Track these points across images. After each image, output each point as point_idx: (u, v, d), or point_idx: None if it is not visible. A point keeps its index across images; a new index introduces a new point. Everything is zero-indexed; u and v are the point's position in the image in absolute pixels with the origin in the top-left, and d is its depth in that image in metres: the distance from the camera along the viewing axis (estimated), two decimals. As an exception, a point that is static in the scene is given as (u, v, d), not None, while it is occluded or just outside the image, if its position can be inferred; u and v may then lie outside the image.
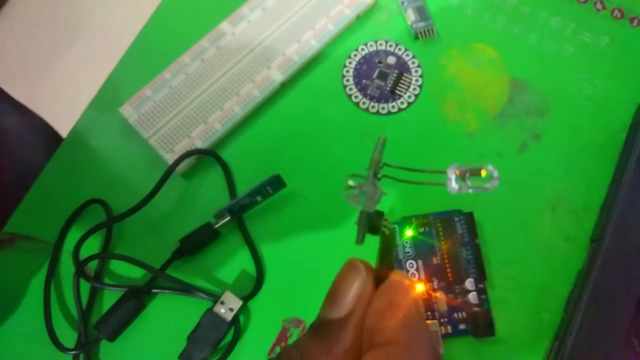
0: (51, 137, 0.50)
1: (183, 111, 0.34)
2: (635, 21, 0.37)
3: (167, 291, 0.32)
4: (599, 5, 0.38)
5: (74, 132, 0.35)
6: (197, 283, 0.32)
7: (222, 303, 0.31)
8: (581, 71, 0.36)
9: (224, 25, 0.36)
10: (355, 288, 0.18)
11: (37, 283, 0.33)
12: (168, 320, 0.32)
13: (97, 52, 1.09)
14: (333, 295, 0.19)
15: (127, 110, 0.34)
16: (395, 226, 0.32)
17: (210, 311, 0.31)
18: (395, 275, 0.19)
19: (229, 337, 0.31)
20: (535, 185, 0.34)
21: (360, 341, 0.18)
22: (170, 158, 0.33)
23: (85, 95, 0.47)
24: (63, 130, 0.48)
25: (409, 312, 0.17)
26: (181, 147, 0.33)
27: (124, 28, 1.08)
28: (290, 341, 0.31)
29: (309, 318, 0.31)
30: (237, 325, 0.31)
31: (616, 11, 0.38)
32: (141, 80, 0.35)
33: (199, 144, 0.33)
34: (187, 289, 0.31)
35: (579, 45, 0.37)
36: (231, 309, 0.31)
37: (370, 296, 0.18)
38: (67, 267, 0.33)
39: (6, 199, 0.35)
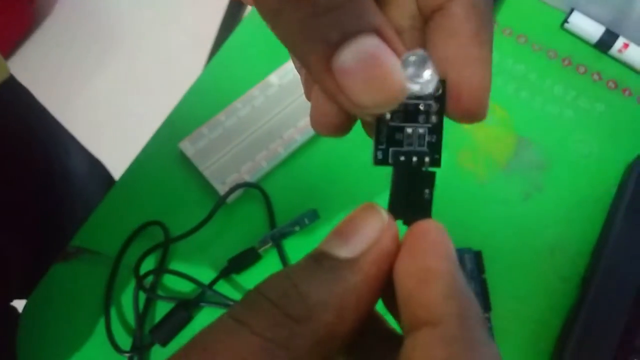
0: (106, 180, 0.56)
1: (234, 149, 0.39)
2: (627, 92, 0.43)
3: (213, 305, 0.36)
4: (595, 77, 0.43)
5: (137, 161, 0.40)
6: (238, 299, 0.37)
7: (261, 318, 0.35)
8: (579, 133, 0.42)
9: (272, 78, 0.41)
10: (373, 229, 0.15)
11: (98, 292, 0.37)
12: (212, 330, 0.36)
13: (159, 92, 1.15)
14: (343, 229, 0.15)
15: (186, 145, 0.39)
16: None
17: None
18: (426, 225, 0.15)
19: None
20: (537, 231, 0.39)
21: (369, 297, 0.14)
22: (221, 189, 0.38)
23: (141, 130, 0.53)
24: (118, 164, 0.54)
25: (453, 277, 0.14)
26: (231, 180, 0.38)
27: (177, 65, 1.15)
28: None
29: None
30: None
31: (611, 83, 0.43)
32: (198, 120, 0.40)
33: (247, 178, 0.39)
34: (230, 304, 0.36)
35: (578, 110, 0.42)
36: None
37: (392, 251, 0.15)
38: (124, 279, 0.38)
39: (63, 234, 0.40)
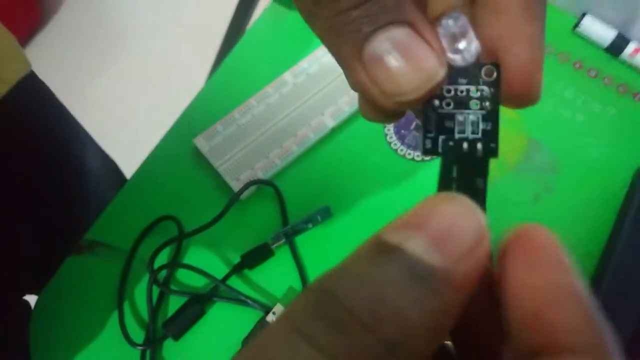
0: (117, 177, 0.57)
1: (248, 146, 0.40)
2: (638, 96, 0.43)
3: (226, 300, 0.37)
4: (606, 81, 0.44)
5: (152, 155, 0.41)
6: (251, 294, 0.37)
7: (274, 314, 0.36)
8: (590, 136, 0.42)
9: (287, 76, 0.42)
10: (470, 231, 0.12)
11: (111, 285, 0.38)
12: (224, 325, 0.37)
13: (168, 90, 1.15)
14: (435, 226, 0.12)
15: (200, 142, 0.40)
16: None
17: (263, 320, 0.36)
18: (539, 232, 0.13)
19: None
20: (546, 231, 0.39)
21: (458, 314, 0.12)
22: (235, 185, 0.38)
23: (151, 127, 0.54)
24: (128, 160, 0.54)
25: (588, 299, 0.12)
26: (245, 177, 0.39)
27: (188, 62, 1.16)
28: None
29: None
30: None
31: (621, 87, 0.44)
32: (213, 117, 0.40)
33: (260, 175, 0.39)
34: (243, 300, 0.36)
35: (589, 114, 0.43)
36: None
37: (485, 263, 0.12)
38: (138, 273, 0.38)
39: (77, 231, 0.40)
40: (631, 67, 0.44)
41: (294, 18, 0.45)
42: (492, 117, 0.15)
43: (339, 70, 0.39)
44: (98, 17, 1.33)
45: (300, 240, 0.38)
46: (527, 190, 0.40)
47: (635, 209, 0.38)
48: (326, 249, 0.38)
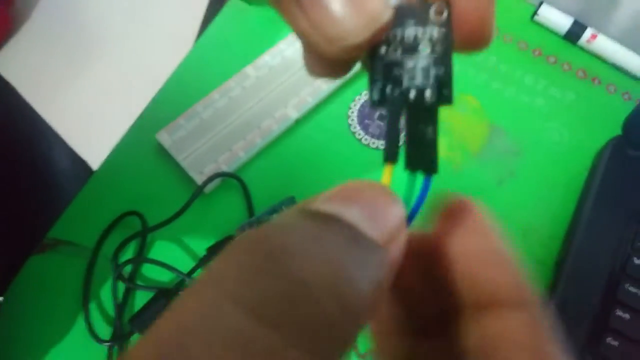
0: (89, 176, 0.56)
1: (212, 140, 0.39)
2: (597, 81, 0.44)
3: None
4: (565, 67, 0.45)
5: (115, 151, 0.40)
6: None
7: (240, 305, 0.36)
8: (550, 120, 0.43)
9: (249, 69, 0.42)
10: (398, 215, 0.12)
11: (76, 283, 0.37)
12: (191, 319, 0.36)
13: (132, 83, 1.15)
14: (368, 204, 0.12)
15: (163, 136, 0.39)
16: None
17: (229, 311, 0.35)
18: (472, 204, 0.14)
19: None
20: (510, 215, 0.39)
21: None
22: (199, 179, 0.38)
23: (119, 122, 0.53)
24: (94, 154, 0.53)
25: (515, 262, 0.13)
26: (209, 170, 0.39)
27: (158, 64, 1.15)
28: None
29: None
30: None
31: (580, 72, 0.44)
32: (175, 112, 0.40)
33: (224, 168, 0.39)
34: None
35: (549, 99, 0.43)
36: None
37: (403, 248, 0.13)
38: (103, 269, 0.38)
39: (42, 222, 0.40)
40: (589, 52, 0.45)
41: (255, 13, 0.45)
42: (444, 60, 0.14)
43: (301, 63, 0.39)
44: (66, 24, 1.31)
45: (265, 231, 0.38)
46: (490, 175, 0.41)
47: (595, 191, 0.39)
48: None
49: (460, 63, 0.44)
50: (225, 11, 0.45)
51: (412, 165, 0.14)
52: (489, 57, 0.45)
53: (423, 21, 0.14)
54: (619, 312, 0.35)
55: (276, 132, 0.40)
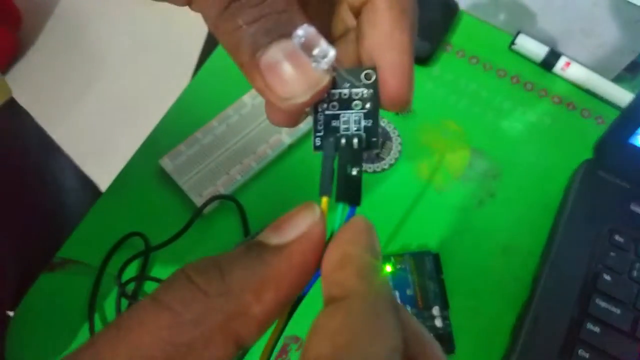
0: (96, 196, 0.59)
1: (210, 164, 0.42)
2: (571, 106, 0.47)
3: None
4: (542, 93, 0.48)
5: (120, 176, 0.43)
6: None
7: (236, 319, 0.38)
8: (528, 144, 0.45)
9: (246, 98, 0.45)
10: (304, 222, 0.16)
11: (83, 299, 0.40)
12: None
13: (136, 103, 1.18)
14: (278, 222, 0.16)
15: (165, 162, 0.42)
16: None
17: (226, 326, 0.38)
18: (354, 220, 0.17)
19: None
20: (490, 234, 0.42)
21: (291, 282, 0.15)
22: (199, 201, 0.41)
23: (124, 141, 0.56)
24: (99, 172, 0.56)
25: (367, 262, 0.16)
26: (208, 193, 0.41)
27: (162, 85, 1.19)
28: (291, 355, 0.38)
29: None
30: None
31: (555, 98, 0.47)
32: (177, 139, 0.43)
33: (222, 191, 0.42)
34: (207, 308, 0.39)
35: (526, 123, 0.46)
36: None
37: (319, 242, 0.16)
38: (108, 287, 0.40)
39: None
40: (564, 79, 0.48)
41: (252, 44, 0.48)
42: (372, 115, 0.17)
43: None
44: (73, 47, 1.35)
45: (260, 250, 0.41)
46: (471, 196, 0.43)
47: (569, 210, 0.41)
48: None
49: (444, 90, 0.47)
50: (223, 43, 0.48)
51: (340, 197, 0.17)
52: (471, 84, 0.48)
53: (357, 84, 0.17)
54: (590, 326, 0.37)
55: (271, 157, 0.43)
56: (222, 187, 0.42)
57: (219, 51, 0.48)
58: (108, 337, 0.14)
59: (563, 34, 0.47)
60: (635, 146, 0.40)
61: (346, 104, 0.17)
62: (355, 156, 0.17)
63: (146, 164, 0.43)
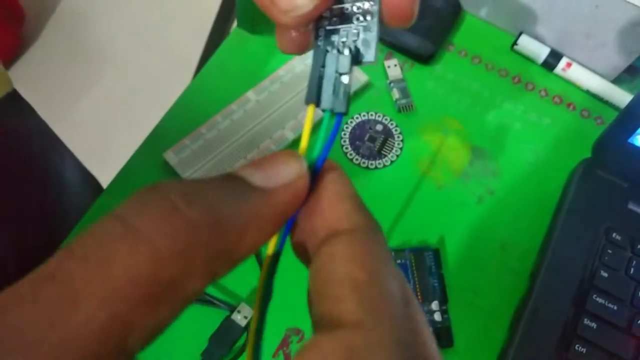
0: (97, 190, 0.59)
1: (214, 159, 0.43)
2: (571, 106, 0.48)
3: (196, 302, 0.39)
4: (542, 93, 0.48)
5: (124, 169, 0.44)
6: (217, 295, 0.40)
7: (238, 312, 0.39)
8: (527, 143, 0.46)
9: (250, 94, 0.45)
10: (291, 171, 0.15)
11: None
12: (192, 324, 0.39)
13: (138, 99, 1.18)
14: (263, 161, 0.16)
15: (170, 155, 0.43)
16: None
17: (228, 318, 0.39)
18: (330, 165, 0.17)
19: (242, 340, 0.39)
20: (489, 230, 0.43)
21: (271, 230, 0.15)
22: (202, 195, 0.42)
23: (126, 136, 0.57)
24: (100, 167, 0.57)
25: (359, 198, 0.16)
26: (212, 187, 0.42)
27: (164, 80, 1.20)
28: (292, 347, 0.39)
29: (308, 328, 0.39)
30: (249, 330, 0.39)
31: (556, 98, 0.48)
32: (182, 133, 0.44)
33: (226, 185, 0.42)
34: (209, 300, 0.39)
35: (527, 123, 0.47)
36: (245, 317, 0.39)
37: (302, 196, 0.16)
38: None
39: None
40: (565, 80, 0.49)
41: (257, 42, 0.48)
42: (371, 27, 0.17)
43: (299, 87, 0.42)
44: (75, 43, 1.36)
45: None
46: (471, 193, 0.44)
47: (567, 208, 0.42)
48: (287, 251, 0.41)
49: (446, 89, 0.48)
50: (229, 40, 0.49)
51: (325, 104, 0.17)
52: (473, 83, 0.48)
53: None
54: (587, 321, 0.38)
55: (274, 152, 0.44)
56: (225, 181, 0.42)
57: (223, 48, 0.49)
58: (76, 270, 0.12)
59: (564, 35, 0.48)
60: (633, 146, 0.41)
61: (347, 18, 0.17)
62: (345, 64, 0.17)
63: (150, 158, 0.44)
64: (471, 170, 0.45)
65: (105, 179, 0.61)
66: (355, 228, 0.15)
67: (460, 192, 0.44)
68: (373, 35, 0.17)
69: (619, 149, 0.41)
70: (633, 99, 0.39)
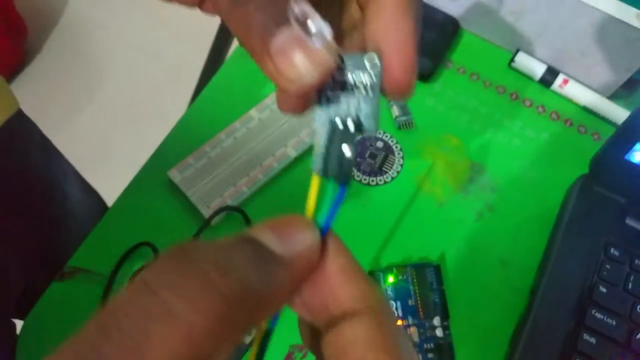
0: (100, 206, 0.60)
1: (218, 176, 0.44)
2: (568, 122, 0.49)
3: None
4: (540, 109, 0.49)
5: (129, 187, 0.44)
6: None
7: (242, 328, 0.39)
8: (526, 159, 0.47)
9: (253, 112, 0.46)
10: (307, 239, 0.16)
11: (93, 308, 0.41)
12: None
13: (140, 114, 1.19)
14: (280, 227, 0.16)
15: (174, 174, 0.44)
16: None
17: (232, 334, 0.39)
18: (331, 237, 0.17)
19: (247, 356, 0.39)
20: (489, 246, 0.43)
21: (286, 299, 0.16)
22: (206, 213, 0.42)
23: (131, 160, 0.57)
24: (112, 192, 0.58)
25: (363, 271, 0.17)
26: (215, 204, 0.43)
27: (166, 96, 1.21)
28: (294, 362, 0.39)
29: (310, 344, 0.39)
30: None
31: (553, 114, 0.49)
32: (185, 151, 0.44)
33: (229, 202, 0.43)
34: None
35: (525, 139, 0.48)
36: (249, 334, 0.39)
37: (314, 265, 0.16)
38: (117, 296, 0.41)
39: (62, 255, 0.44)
40: (562, 96, 0.49)
41: (259, 60, 0.49)
42: (372, 99, 0.18)
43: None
44: (78, 57, 1.37)
45: (266, 260, 0.42)
46: (471, 210, 0.44)
47: (566, 224, 0.42)
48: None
49: (445, 106, 0.49)
50: (232, 59, 0.50)
51: (330, 175, 0.18)
52: (471, 100, 0.49)
53: (360, 67, 0.18)
54: (587, 336, 0.38)
55: (277, 169, 0.44)
56: (229, 198, 0.43)
57: (226, 66, 0.50)
58: (113, 356, 0.12)
59: (561, 52, 0.49)
60: (630, 162, 0.41)
61: (348, 88, 0.18)
62: (349, 137, 0.18)
63: (155, 176, 0.44)
64: (471, 187, 0.45)
65: (107, 191, 0.61)
66: (372, 308, 0.16)
67: (460, 208, 0.44)
68: (374, 108, 0.18)
69: (616, 166, 0.42)
70: (629, 117, 0.39)
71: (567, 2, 0.44)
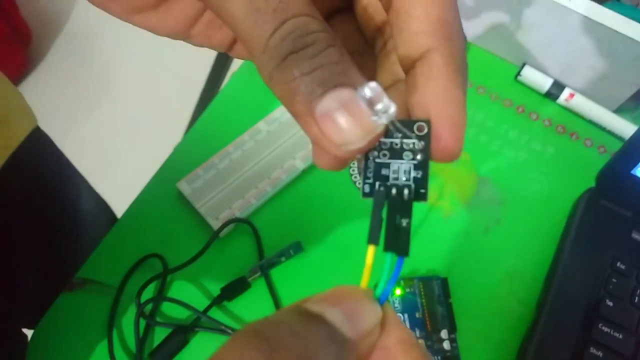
0: (110, 217, 0.60)
1: (227, 188, 0.44)
2: (575, 136, 0.49)
3: (207, 330, 0.40)
4: (546, 123, 0.49)
5: (138, 199, 0.45)
6: (230, 324, 0.41)
7: (251, 340, 0.39)
8: (532, 172, 0.47)
9: (261, 124, 0.46)
10: (373, 318, 0.16)
11: (102, 319, 0.41)
12: (206, 353, 0.40)
13: (146, 122, 1.19)
14: (347, 304, 0.16)
15: (183, 185, 0.44)
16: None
17: (241, 346, 0.39)
18: (387, 311, 0.17)
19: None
20: (496, 259, 0.43)
21: None
22: (215, 224, 0.42)
23: (138, 170, 0.57)
24: (121, 203, 0.58)
25: (418, 344, 0.17)
26: (224, 216, 0.43)
27: (171, 104, 1.21)
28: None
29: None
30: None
31: (560, 128, 0.49)
32: (194, 163, 0.45)
33: (238, 214, 0.43)
34: (223, 329, 0.40)
35: (531, 152, 0.48)
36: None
37: (375, 344, 0.16)
38: (126, 307, 0.41)
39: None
40: (568, 110, 0.50)
41: (267, 72, 0.50)
42: (422, 166, 0.17)
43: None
44: (82, 66, 1.37)
45: (274, 273, 0.42)
46: (477, 223, 0.45)
47: (572, 237, 0.43)
48: (298, 281, 0.42)
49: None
50: (240, 71, 0.50)
51: (389, 247, 0.17)
52: (478, 113, 0.49)
53: (408, 134, 0.18)
54: (593, 350, 0.38)
55: (285, 182, 0.45)
56: (237, 210, 0.43)
57: (235, 79, 0.50)
58: None
59: (567, 66, 0.49)
60: (636, 177, 0.42)
61: (397, 153, 0.18)
62: (405, 207, 0.17)
63: (164, 188, 0.45)
64: (477, 200, 0.45)
65: (114, 200, 0.62)
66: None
67: (467, 221, 0.45)
68: (425, 175, 0.17)
69: (622, 180, 0.42)
70: (635, 132, 0.40)
71: (574, 18, 0.45)
